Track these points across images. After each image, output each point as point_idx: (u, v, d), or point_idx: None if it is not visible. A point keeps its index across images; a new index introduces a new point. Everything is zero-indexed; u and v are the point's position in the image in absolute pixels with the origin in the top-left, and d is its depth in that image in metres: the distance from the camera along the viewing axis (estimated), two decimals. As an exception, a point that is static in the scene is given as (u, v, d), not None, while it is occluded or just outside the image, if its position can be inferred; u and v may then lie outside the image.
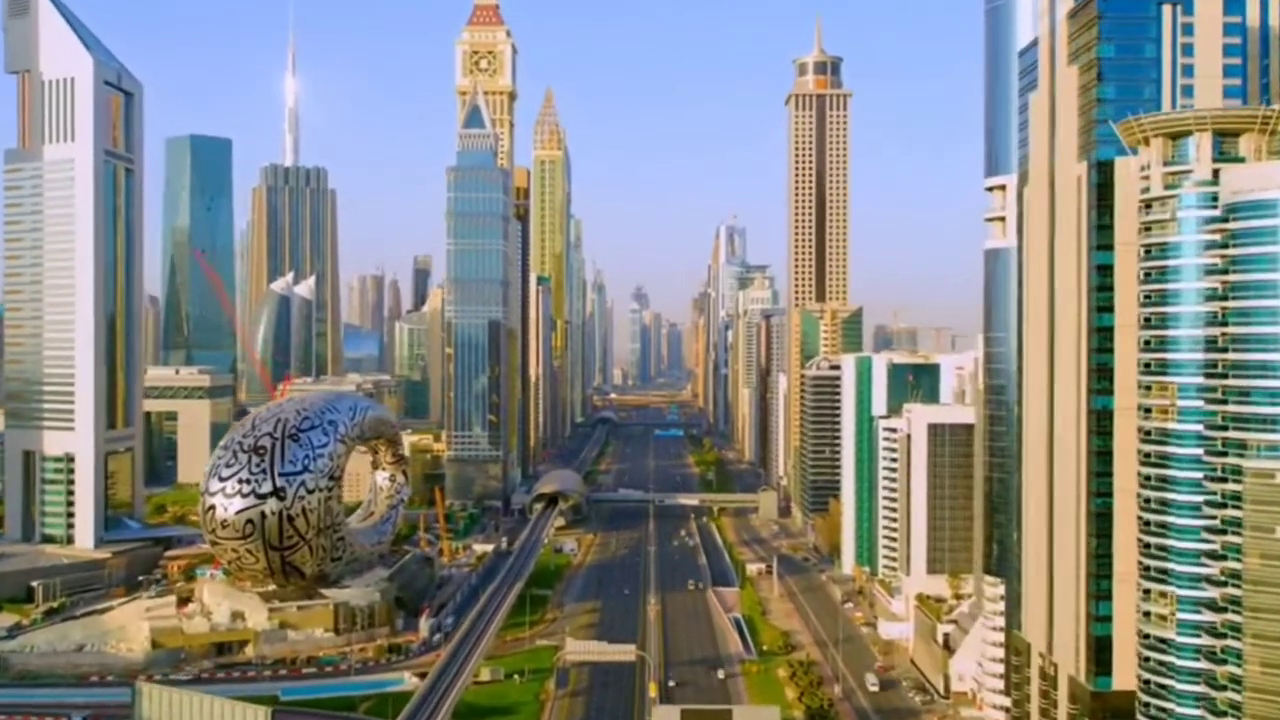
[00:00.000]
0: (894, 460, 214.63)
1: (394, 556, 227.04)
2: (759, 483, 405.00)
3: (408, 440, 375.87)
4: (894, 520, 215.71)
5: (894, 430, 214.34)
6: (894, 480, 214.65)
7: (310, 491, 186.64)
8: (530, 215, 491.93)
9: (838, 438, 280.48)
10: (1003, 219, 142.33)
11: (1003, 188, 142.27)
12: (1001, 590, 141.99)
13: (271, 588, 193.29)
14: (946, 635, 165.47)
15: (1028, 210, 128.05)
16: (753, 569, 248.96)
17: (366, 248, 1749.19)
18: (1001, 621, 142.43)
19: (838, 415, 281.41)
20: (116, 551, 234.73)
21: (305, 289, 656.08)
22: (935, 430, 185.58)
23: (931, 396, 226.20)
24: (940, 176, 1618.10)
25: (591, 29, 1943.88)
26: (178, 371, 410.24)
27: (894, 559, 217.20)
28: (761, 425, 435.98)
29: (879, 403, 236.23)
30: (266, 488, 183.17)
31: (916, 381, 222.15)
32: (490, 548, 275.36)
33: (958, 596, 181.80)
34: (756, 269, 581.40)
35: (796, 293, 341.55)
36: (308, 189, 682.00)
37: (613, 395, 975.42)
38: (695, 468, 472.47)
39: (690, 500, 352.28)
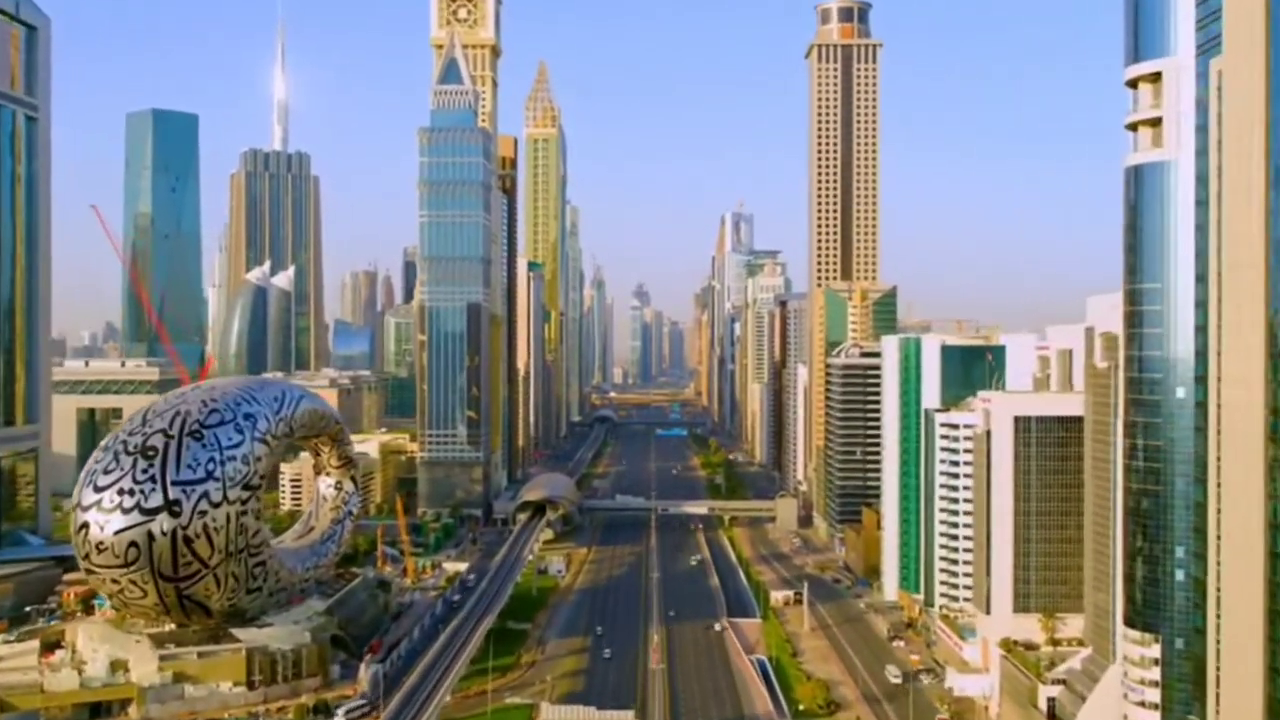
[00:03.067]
0: (954, 463, 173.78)
1: (339, 582, 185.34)
2: (773, 488, 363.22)
3: (379, 439, 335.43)
4: (954, 538, 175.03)
5: (955, 426, 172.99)
6: (954, 488, 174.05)
7: (215, 505, 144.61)
8: (520, 194, 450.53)
9: (872, 436, 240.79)
10: (1156, 121, 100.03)
11: (1156, 76, 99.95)
12: (1154, 652, 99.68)
13: (169, 628, 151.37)
14: (1052, 701, 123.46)
15: (1222, 93, 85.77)
16: (778, 596, 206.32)
17: (361, 245, 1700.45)
18: (1154, 695, 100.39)
19: (872, 410, 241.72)
20: (4, 575, 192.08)
21: (284, 280, 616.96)
22: (1022, 425, 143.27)
23: (989, 384, 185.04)
24: (956, 160, 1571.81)
25: (586, 24, 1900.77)
26: (124, 364, 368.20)
27: (954, 585, 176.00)
28: (775, 423, 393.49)
29: (930, 393, 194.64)
30: (156, 500, 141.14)
31: (992, 363, 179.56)
32: (464, 566, 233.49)
33: (1054, 643, 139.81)
34: (766, 254, 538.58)
35: (819, 271, 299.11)
36: (289, 175, 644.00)
37: (612, 394, 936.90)
38: (701, 470, 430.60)
39: (697, 508, 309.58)
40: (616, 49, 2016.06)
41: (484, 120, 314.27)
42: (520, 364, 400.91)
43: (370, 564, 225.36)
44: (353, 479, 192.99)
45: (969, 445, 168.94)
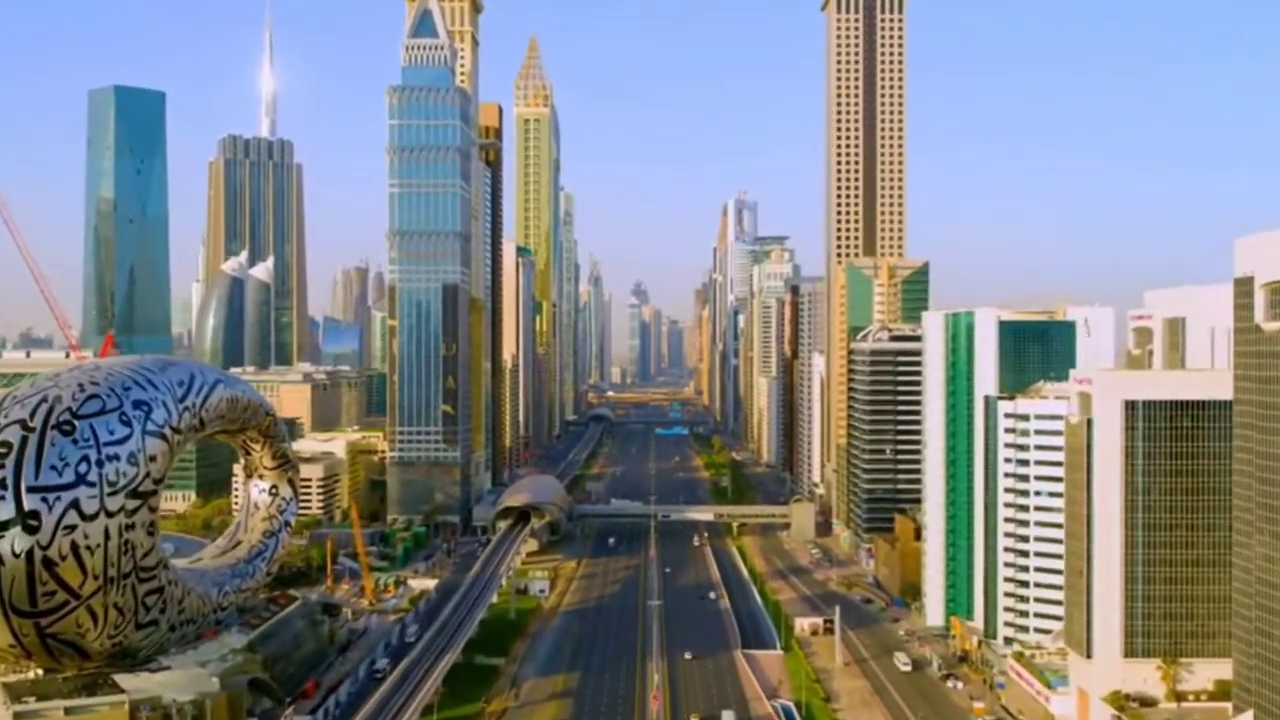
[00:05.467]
0: (1024, 461, 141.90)
1: (272, 607, 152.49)
2: (783, 491, 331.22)
3: (347, 438, 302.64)
4: (1023, 554, 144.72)
5: (1025, 417, 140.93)
6: (1024, 492, 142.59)
7: (89, 517, 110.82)
8: (509, 175, 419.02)
9: (905, 431, 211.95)
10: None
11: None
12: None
13: (34, 674, 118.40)
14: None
15: None
16: (803, 624, 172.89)
17: (355, 243, 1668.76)
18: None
19: (904, 400, 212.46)
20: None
21: (263, 271, 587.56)
22: (1131, 412, 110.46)
23: (1053, 368, 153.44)
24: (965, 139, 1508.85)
25: (576, 15, 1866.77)
26: (68, 355, 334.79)
27: (1023, 612, 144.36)
28: (786, 420, 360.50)
29: (985, 379, 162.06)
30: (6, 512, 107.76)
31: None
32: (433, 583, 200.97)
33: (1177, 697, 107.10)
34: (773, 240, 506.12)
35: (838, 248, 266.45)
36: (271, 163, 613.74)
37: (610, 393, 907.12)
38: (704, 472, 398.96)
39: (702, 514, 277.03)
40: (610, 42, 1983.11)
41: (463, 81, 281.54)
42: (506, 356, 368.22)
43: (322, 581, 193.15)
44: (290, 483, 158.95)
45: (1042, 441, 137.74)
